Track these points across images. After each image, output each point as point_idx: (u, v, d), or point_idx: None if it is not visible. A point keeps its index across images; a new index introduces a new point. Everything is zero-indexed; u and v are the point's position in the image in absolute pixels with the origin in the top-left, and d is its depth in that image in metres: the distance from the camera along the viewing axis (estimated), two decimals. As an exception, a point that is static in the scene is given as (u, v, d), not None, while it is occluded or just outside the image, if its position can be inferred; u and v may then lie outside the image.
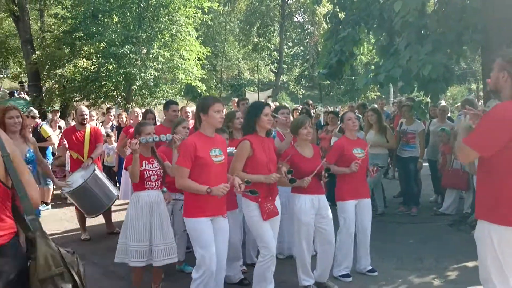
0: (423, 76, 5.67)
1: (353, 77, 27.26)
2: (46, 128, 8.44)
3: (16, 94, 25.73)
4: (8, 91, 29.03)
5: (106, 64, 16.18)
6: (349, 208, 4.85)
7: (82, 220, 6.67)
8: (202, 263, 3.67)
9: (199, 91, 18.37)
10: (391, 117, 10.16)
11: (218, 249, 3.78)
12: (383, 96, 28.66)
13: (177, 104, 6.32)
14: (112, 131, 9.57)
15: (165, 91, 17.26)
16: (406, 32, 6.24)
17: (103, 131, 9.29)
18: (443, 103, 9.93)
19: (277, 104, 12.32)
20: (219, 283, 3.92)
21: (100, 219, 6.74)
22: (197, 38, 18.49)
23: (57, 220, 7.68)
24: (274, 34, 39.94)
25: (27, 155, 4.50)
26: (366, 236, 4.99)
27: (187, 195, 3.79)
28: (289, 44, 42.50)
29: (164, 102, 10.11)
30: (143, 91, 16.75)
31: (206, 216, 3.73)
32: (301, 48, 43.57)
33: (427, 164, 8.21)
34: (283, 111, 5.66)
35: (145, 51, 16.19)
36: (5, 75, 29.81)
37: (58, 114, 10.39)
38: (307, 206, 4.47)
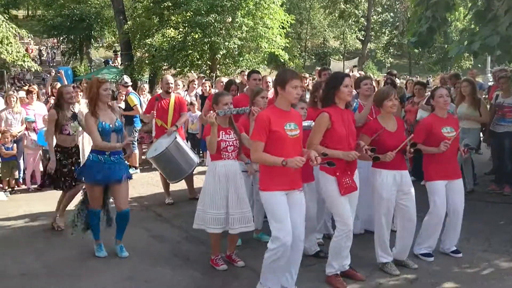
0: (524, 44, 5.16)
1: (446, 45, 25.62)
2: (132, 97, 8.83)
3: (110, 63, 27.25)
4: (103, 60, 30.85)
5: (192, 33, 16.55)
6: (439, 189, 4.57)
7: (166, 185, 6.97)
8: (277, 237, 3.66)
9: (282, 60, 18.27)
10: (484, 88, 9.44)
11: (294, 223, 3.74)
12: (480, 65, 26.76)
13: (259, 73, 6.31)
14: (196, 99, 9.80)
15: (249, 60, 17.36)
16: (507, -5, 5.69)
17: (188, 99, 9.56)
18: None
19: (362, 73, 11.93)
20: (298, 257, 3.90)
21: (183, 185, 7.01)
22: (281, 5, 18.28)
23: (144, 184, 8.10)
24: (362, 0, 38.39)
25: (117, 124, 4.76)
26: (458, 219, 4.69)
27: (262, 168, 3.78)
28: (378, 10, 40.66)
29: (248, 71, 10.17)
30: (227, 60, 16.96)
31: (281, 189, 3.70)
32: (391, 14, 41.55)
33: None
34: (366, 82, 5.44)
35: (229, 20, 16.30)
36: (100, 44, 31.58)
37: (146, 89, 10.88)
38: (389, 181, 4.32)
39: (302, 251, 3.96)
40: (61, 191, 5.86)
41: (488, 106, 7.40)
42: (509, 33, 5.37)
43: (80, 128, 5.91)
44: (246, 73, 10.31)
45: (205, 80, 10.72)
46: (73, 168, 5.73)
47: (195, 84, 10.42)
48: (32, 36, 23.15)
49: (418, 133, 4.64)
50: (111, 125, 4.72)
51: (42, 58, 34.54)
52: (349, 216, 4.00)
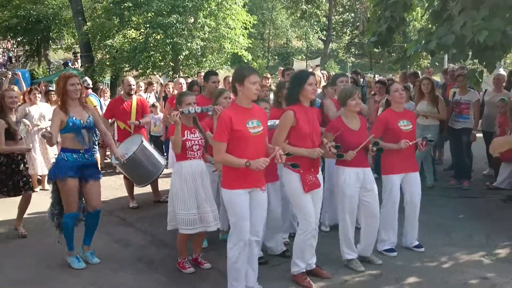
0: (478, 43, 5.33)
1: (405, 45, 26.19)
2: (92, 98, 8.66)
3: (70, 65, 26.59)
4: (62, 62, 30.04)
5: (154, 34, 16.35)
6: (394, 182, 4.72)
7: (130, 189, 6.85)
8: (235, 234, 3.69)
9: (245, 60, 18.28)
10: (439, 86, 9.70)
11: (254, 222, 3.76)
12: (437, 64, 27.44)
13: (217, 75, 6.26)
14: (158, 101, 9.69)
15: (212, 61, 17.28)
16: (461, -5, 5.87)
17: (150, 101, 9.43)
18: (501, 71, 9.38)
19: (325, 73, 12.05)
20: (254, 256, 3.91)
21: (147, 188, 6.90)
22: (243, 6, 18.28)
23: (107, 188, 7.90)
24: (323, 0, 38.84)
25: (88, 120, 4.62)
26: (415, 211, 4.84)
27: (225, 166, 3.77)
28: (339, 10, 41.22)
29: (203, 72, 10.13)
30: (190, 61, 16.84)
31: (244, 188, 3.70)
32: (352, 14, 42.20)
33: (480, 135, 7.84)
34: (342, 79, 5.49)
35: (191, 20, 16.20)
36: (59, 46, 30.74)
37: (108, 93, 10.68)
38: (352, 179, 4.38)
39: (260, 249, 4.02)
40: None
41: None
42: (463, 33, 5.54)
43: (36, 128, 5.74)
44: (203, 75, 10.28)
45: (168, 81, 10.61)
46: (14, 174, 5.48)
47: (154, 87, 10.32)
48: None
49: (376, 127, 4.75)
50: (82, 121, 4.55)
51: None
52: (312, 214, 4.03)
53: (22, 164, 5.58)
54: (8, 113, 5.51)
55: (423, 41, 6.34)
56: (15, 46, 32.05)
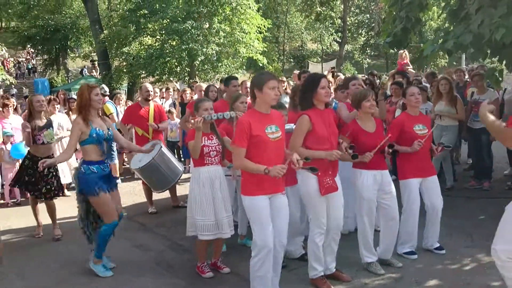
0: (496, 41, 5.25)
1: (421, 44, 25.90)
2: (109, 105, 8.76)
3: (86, 72, 26.99)
4: (79, 69, 30.49)
5: (170, 41, 16.52)
6: (412, 187, 4.64)
7: (149, 194, 6.91)
8: (259, 240, 3.66)
9: (260, 64, 18.32)
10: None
11: (277, 227, 3.74)
12: (455, 63, 27.12)
13: (237, 79, 6.29)
14: (175, 107, 9.76)
15: (227, 66, 17.37)
16: (478, -6, 5.79)
17: (166, 107, 9.51)
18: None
19: (341, 75, 12.00)
20: (278, 261, 3.90)
21: (166, 193, 6.95)
22: (257, 10, 18.35)
23: (126, 194, 8.00)
24: (337, 2, 38.72)
25: (109, 132, 4.64)
26: (437, 214, 4.75)
27: (245, 172, 3.76)
28: (355, 11, 41.05)
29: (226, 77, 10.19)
30: (206, 66, 16.96)
31: (264, 194, 3.69)
32: (367, 15, 41.96)
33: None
34: (354, 82, 5.46)
35: (206, 26, 16.33)
36: (77, 55, 31.25)
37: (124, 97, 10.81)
38: (370, 181, 4.35)
39: (283, 255, 3.97)
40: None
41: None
42: (481, 31, 5.45)
43: (56, 136, 5.83)
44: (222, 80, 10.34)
45: (187, 87, 10.69)
46: (40, 179, 5.62)
47: (171, 92, 10.40)
48: (6, 49, 22.83)
49: (391, 131, 4.69)
50: (104, 132, 4.57)
51: (21, 70, 33.84)
52: (324, 217, 4.01)
53: (47, 169, 5.59)
54: (36, 118, 5.66)
55: (440, 41, 6.27)
56: (34, 55, 32.69)
